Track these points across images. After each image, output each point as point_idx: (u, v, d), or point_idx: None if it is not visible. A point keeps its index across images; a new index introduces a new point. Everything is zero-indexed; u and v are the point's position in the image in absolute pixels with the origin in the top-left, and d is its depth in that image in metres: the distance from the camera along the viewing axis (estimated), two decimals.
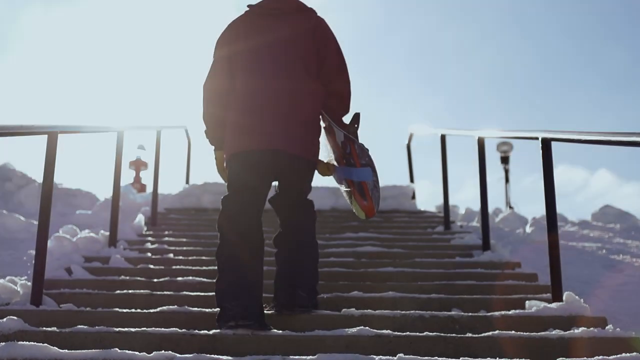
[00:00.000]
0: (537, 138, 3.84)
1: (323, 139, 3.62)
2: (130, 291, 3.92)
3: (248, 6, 3.62)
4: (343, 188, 3.62)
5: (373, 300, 3.81)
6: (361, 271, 4.60)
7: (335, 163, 3.63)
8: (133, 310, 3.48)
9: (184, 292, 3.94)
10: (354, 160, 3.44)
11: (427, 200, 19.59)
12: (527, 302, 3.73)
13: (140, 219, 6.33)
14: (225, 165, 3.50)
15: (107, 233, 5.36)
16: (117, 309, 3.52)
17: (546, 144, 3.79)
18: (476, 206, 10.30)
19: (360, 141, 3.50)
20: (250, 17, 3.57)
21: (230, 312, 3.15)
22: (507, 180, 13.00)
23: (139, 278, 4.31)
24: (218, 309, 3.23)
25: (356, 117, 3.56)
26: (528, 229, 6.67)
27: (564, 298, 3.61)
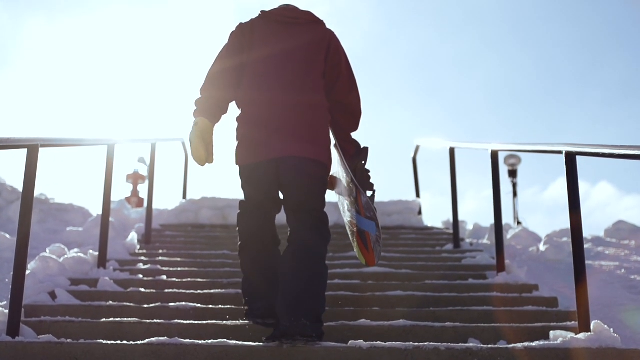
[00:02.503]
0: (560, 152, 3.53)
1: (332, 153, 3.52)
2: (117, 319, 3.60)
3: (261, 12, 3.52)
4: (346, 220, 3.56)
5: (382, 329, 3.49)
6: (368, 295, 4.27)
7: (340, 178, 3.52)
8: (119, 342, 3.15)
9: (176, 320, 3.60)
10: (359, 208, 3.35)
11: (429, 212, 19.27)
12: (551, 332, 3.41)
13: (133, 236, 6.00)
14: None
15: (97, 253, 5.02)
16: (101, 341, 3.18)
17: (571, 159, 3.48)
18: (481, 220, 9.99)
19: (368, 171, 3.48)
20: (266, 23, 3.48)
21: (258, 312, 3.36)
22: (515, 194, 12.61)
23: (127, 304, 3.97)
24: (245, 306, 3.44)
25: (364, 152, 3.51)
26: (542, 247, 6.33)
27: (592, 327, 3.29)
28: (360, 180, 3.44)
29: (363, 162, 3.48)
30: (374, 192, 3.46)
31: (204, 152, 3.34)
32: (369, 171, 3.50)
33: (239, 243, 3.46)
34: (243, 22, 3.51)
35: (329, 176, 3.52)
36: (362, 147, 3.54)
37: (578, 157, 3.47)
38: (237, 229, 3.46)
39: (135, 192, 13.70)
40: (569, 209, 3.48)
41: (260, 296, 3.37)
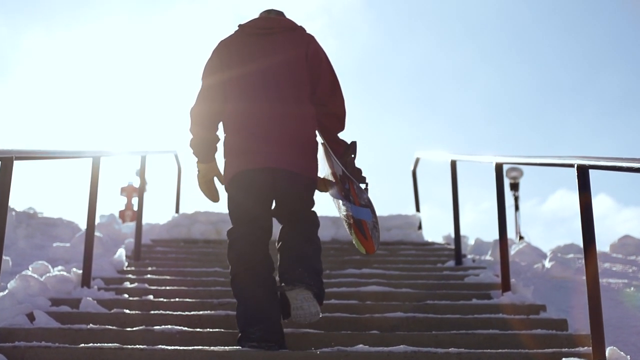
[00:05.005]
0: (572, 165, 3.30)
1: (320, 155, 3.55)
2: (97, 345, 3.33)
3: (239, 26, 3.53)
4: (342, 215, 3.55)
5: (381, 356, 3.24)
6: (366, 317, 4.01)
7: (332, 179, 3.53)
8: None
9: (160, 346, 3.34)
10: (353, 199, 3.32)
11: (427, 226, 18.93)
12: (563, 359, 3.16)
13: (121, 253, 5.73)
14: (225, 188, 3.49)
15: (81, 271, 4.75)
16: None
17: (583, 172, 3.25)
18: (480, 233, 9.70)
19: (358, 166, 3.47)
20: (242, 38, 3.49)
21: (253, 336, 3.22)
22: (516, 208, 12.33)
23: (110, 327, 3.71)
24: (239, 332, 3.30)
25: (353, 146, 3.51)
26: (547, 264, 6.07)
27: (607, 354, 3.06)
28: (352, 173, 3.41)
29: (353, 156, 3.47)
30: (367, 184, 3.44)
31: (210, 194, 3.64)
32: (354, 165, 3.49)
33: (232, 271, 3.36)
34: (223, 38, 3.53)
35: (321, 179, 3.58)
36: (350, 142, 3.53)
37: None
38: (228, 257, 3.38)
39: (129, 205, 13.42)
40: (582, 225, 3.28)
41: (258, 319, 3.26)
